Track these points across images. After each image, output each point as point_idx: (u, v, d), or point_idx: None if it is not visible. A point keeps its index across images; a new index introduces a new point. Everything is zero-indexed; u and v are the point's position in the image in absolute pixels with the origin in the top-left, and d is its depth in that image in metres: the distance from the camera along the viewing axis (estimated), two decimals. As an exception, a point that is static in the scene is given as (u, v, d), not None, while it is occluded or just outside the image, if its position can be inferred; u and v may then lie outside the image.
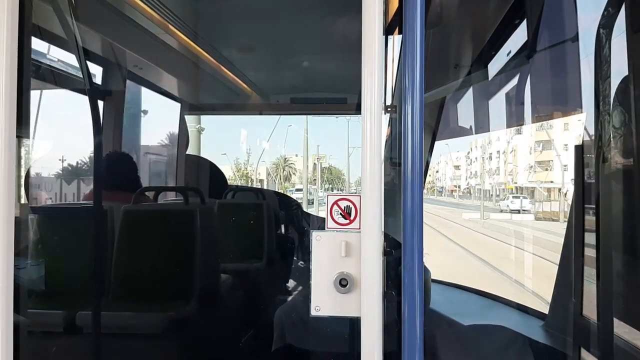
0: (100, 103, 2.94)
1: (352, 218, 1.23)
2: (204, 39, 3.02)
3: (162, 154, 4.00)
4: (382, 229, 1.19)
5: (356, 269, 1.20)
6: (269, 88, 4.06)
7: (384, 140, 1.20)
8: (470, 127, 3.25)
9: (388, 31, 1.33)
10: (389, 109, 1.76)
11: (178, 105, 3.80)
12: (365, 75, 1.18)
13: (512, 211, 10.37)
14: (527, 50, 2.22)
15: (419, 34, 1.15)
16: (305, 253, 1.48)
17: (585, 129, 1.91)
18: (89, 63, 2.36)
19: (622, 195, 1.72)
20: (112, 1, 2.43)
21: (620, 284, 1.72)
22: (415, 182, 1.13)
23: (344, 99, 3.68)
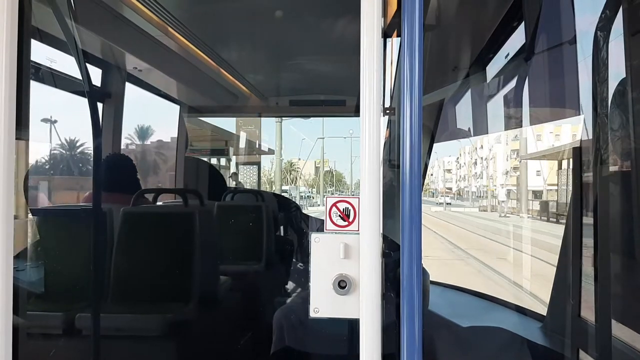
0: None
1: (350, 220, 1.23)
2: (203, 41, 3.03)
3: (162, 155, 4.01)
4: (381, 231, 1.19)
5: (355, 270, 1.20)
6: (268, 90, 4.06)
7: (383, 142, 1.21)
8: (469, 129, 3.26)
9: (387, 33, 1.33)
10: (387, 111, 1.76)
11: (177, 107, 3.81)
12: (363, 77, 1.18)
13: (439, 204, 16.13)
14: (525, 53, 2.23)
15: (418, 36, 1.15)
16: (304, 255, 1.48)
17: (583, 131, 1.91)
18: (88, 65, 2.37)
19: (619, 197, 1.73)
20: (111, 3, 2.44)
21: (618, 286, 1.72)
22: (414, 184, 1.13)
23: (342, 101, 3.68)
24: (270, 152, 5.66)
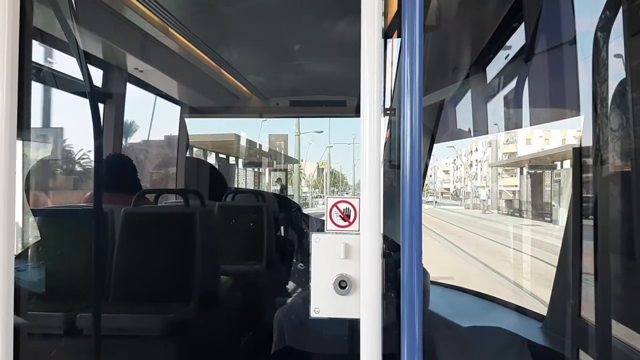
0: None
1: (351, 220, 1.23)
2: (204, 41, 3.03)
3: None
4: (381, 231, 1.19)
5: (355, 270, 1.20)
6: (269, 90, 4.07)
7: (383, 143, 1.21)
8: (469, 129, 3.26)
9: (387, 34, 1.33)
10: (388, 112, 1.76)
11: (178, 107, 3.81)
12: (364, 78, 1.18)
13: (429, 202, 17.21)
14: (525, 54, 2.23)
15: (418, 36, 1.15)
16: (305, 255, 1.49)
17: (582, 131, 1.92)
18: (89, 66, 2.37)
19: (619, 198, 1.73)
20: (112, 4, 2.44)
21: (618, 286, 1.72)
22: (414, 184, 1.13)
23: (343, 102, 3.69)
24: (295, 161, 7.55)
